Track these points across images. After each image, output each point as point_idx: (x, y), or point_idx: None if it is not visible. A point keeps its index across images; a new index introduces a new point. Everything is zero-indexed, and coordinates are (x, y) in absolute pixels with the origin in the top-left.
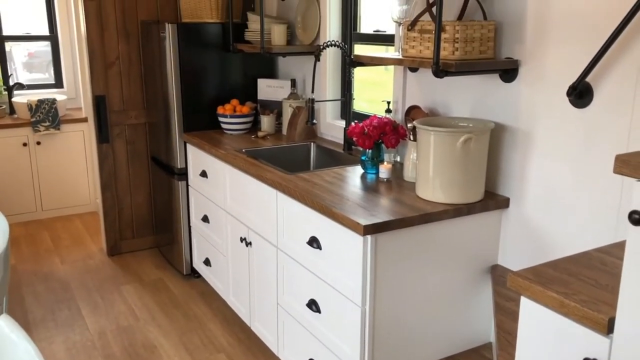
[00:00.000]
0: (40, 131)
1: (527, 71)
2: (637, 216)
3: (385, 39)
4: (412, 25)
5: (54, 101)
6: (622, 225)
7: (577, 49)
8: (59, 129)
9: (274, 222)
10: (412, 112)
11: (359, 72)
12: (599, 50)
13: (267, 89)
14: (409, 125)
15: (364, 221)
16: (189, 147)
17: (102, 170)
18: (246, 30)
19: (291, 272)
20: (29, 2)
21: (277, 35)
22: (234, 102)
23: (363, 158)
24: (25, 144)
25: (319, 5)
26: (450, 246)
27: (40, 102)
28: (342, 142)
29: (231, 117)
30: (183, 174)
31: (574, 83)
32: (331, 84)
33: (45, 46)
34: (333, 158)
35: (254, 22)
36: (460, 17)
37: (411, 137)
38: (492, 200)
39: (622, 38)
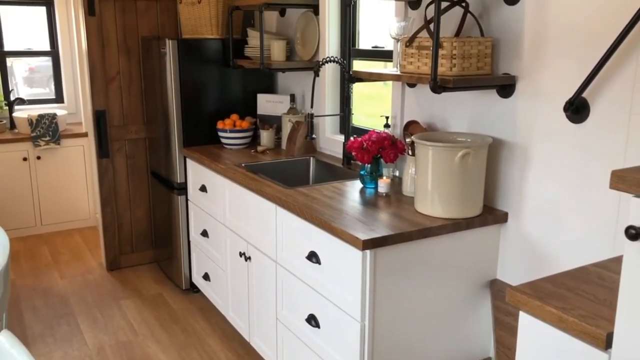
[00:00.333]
0: (40, 146)
1: (524, 87)
2: (633, 231)
3: (383, 55)
4: (410, 42)
5: (54, 116)
6: (619, 240)
7: (574, 65)
8: (59, 144)
9: (273, 236)
10: (411, 127)
11: (358, 86)
12: (595, 66)
13: (267, 104)
14: (408, 140)
15: (363, 236)
16: (189, 162)
17: (101, 185)
18: (246, 46)
19: (290, 287)
20: (30, 18)
21: (277, 51)
22: (234, 117)
23: (362, 172)
24: (25, 159)
25: (318, 21)
26: (449, 261)
27: (41, 117)
28: (341, 156)
29: (231, 131)
30: (183, 189)
31: (571, 98)
32: (330, 99)
33: (46, 61)
34: (332, 172)
35: (253, 38)
36: (457, 34)
37: (410, 152)
38: (491, 214)
39: (618, 54)
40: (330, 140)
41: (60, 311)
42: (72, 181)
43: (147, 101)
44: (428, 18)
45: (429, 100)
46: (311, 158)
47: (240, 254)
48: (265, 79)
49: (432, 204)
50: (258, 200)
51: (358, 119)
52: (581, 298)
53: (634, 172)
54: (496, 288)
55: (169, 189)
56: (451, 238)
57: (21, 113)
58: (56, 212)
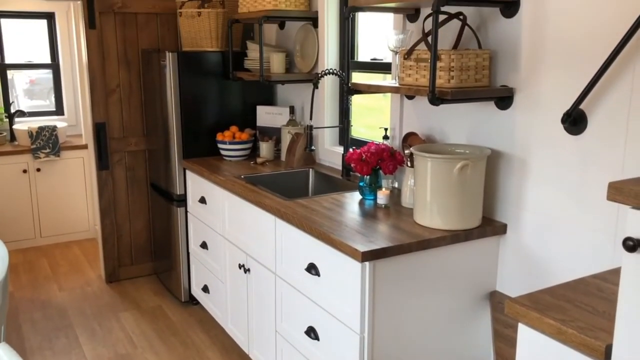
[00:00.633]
0: (40, 158)
1: (522, 99)
2: (631, 243)
3: (382, 67)
4: (408, 54)
5: (54, 128)
6: (618, 252)
7: (571, 77)
8: (59, 156)
9: (273, 248)
10: (409, 138)
11: (357, 98)
12: (592, 78)
13: (266, 115)
14: (406, 151)
15: (362, 247)
16: (188, 174)
17: (101, 197)
18: (246, 58)
19: (289, 299)
20: (31, 31)
21: (276, 63)
22: (233, 128)
23: (361, 184)
24: (25, 171)
25: (317, 34)
26: (448, 272)
27: (41, 129)
28: (340, 168)
29: (230, 143)
30: (182, 201)
31: (568, 110)
32: (329, 111)
33: (46, 73)
34: (331, 184)
35: (253, 50)
36: (455, 46)
37: (408, 164)
38: (490, 226)
39: (615, 66)
40: (330, 152)
41: (58, 324)
42: (72, 193)
43: (147, 113)
44: (426, 31)
45: (427, 112)
46: (310, 169)
47: (240, 266)
48: (265, 91)
49: (431, 215)
50: (257, 212)
51: (357, 131)
52: (580, 310)
53: (631, 183)
54: (495, 300)
55: (169, 201)
56: (450, 250)
57: (21, 125)
58: (55, 224)
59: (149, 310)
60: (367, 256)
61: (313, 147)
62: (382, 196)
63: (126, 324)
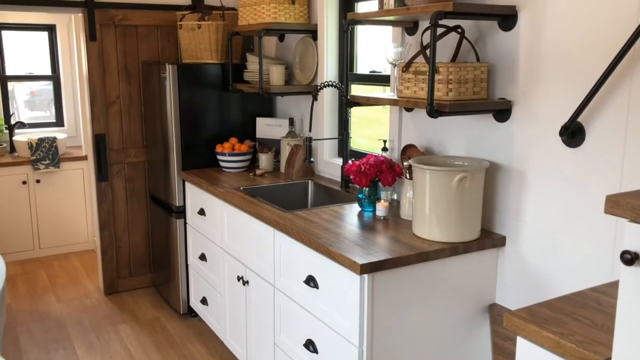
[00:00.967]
0: (40, 169)
1: (520, 111)
2: (628, 256)
3: (381, 80)
4: (406, 67)
5: (54, 139)
6: (617, 264)
7: (569, 89)
8: (58, 167)
9: (271, 260)
10: (408, 150)
11: (356, 110)
12: (590, 91)
13: (266, 127)
14: (405, 163)
15: (360, 260)
16: (188, 185)
17: (100, 208)
18: (245, 70)
19: (288, 311)
20: (32, 43)
21: (276, 75)
22: (233, 140)
23: (360, 196)
24: (24, 182)
25: (317, 47)
26: (447, 285)
27: (41, 140)
28: (339, 179)
29: (230, 155)
30: (181, 212)
31: (566, 123)
32: (328, 123)
33: (47, 84)
34: (330, 196)
35: (253, 62)
36: (453, 59)
37: (407, 176)
38: (488, 238)
39: (612, 79)
40: (329, 164)
41: (56, 336)
42: (71, 205)
43: (146, 125)
44: (424, 44)
45: (426, 124)
46: (309, 181)
47: (238, 278)
48: (264, 103)
49: (430, 227)
50: (256, 223)
51: (356, 142)
52: (579, 323)
53: (629, 197)
54: (495, 312)
55: (168, 213)
56: (449, 262)
57: (21, 137)
58: (54, 236)
59: (147, 322)
60: (366, 268)
61: (312, 159)
62: (381, 208)
63: (124, 336)
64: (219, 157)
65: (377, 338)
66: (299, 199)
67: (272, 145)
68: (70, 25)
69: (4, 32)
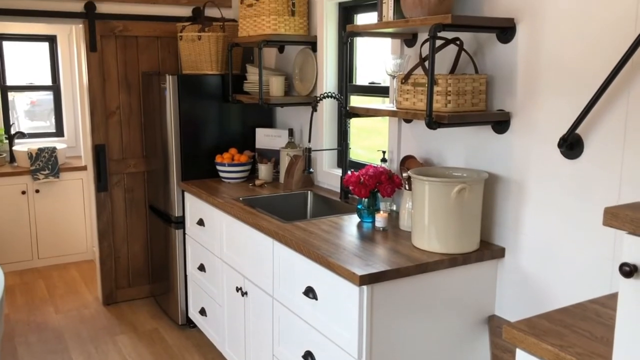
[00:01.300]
0: (39, 179)
1: (518, 123)
2: (627, 268)
3: (380, 91)
4: (405, 79)
5: (54, 150)
6: (616, 276)
7: (567, 101)
8: (58, 177)
9: (270, 271)
10: (407, 161)
11: (356, 120)
12: (588, 103)
13: (265, 138)
14: (404, 174)
15: (360, 271)
16: (187, 196)
17: (99, 218)
18: (245, 81)
19: (287, 322)
20: (33, 53)
21: (275, 86)
22: (232, 151)
23: (359, 207)
24: (24, 192)
25: (316, 58)
26: (446, 296)
27: (41, 150)
28: (338, 190)
29: (229, 165)
30: (180, 223)
31: (565, 135)
32: (328, 134)
33: (47, 94)
34: (330, 206)
35: (253, 74)
36: (452, 71)
37: (406, 187)
38: (488, 250)
39: (610, 91)
40: (328, 174)
41: (54, 347)
42: (70, 215)
43: (146, 135)
44: (423, 55)
45: (425, 136)
46: (309, 192)
47: (237, 289)
48: (264, 114)
49: (429, 239)
50: (255, 234)
51: (356, 153)
52: (578, 335)
53: (627, 209)
54: (494, 324)
55: (167, 223)
56: (448, 273)
57: (21, 147)
58: (53, 246)
59: (146, 333)
60: (365, 280)
61: (312, 170)
62: (380, 219)
63: (122, 348)
64: (219, 168)
65: (376, 349)
66: (298, 210)
67: (272, 156)
68: (71, 36)
69: (5, 43)
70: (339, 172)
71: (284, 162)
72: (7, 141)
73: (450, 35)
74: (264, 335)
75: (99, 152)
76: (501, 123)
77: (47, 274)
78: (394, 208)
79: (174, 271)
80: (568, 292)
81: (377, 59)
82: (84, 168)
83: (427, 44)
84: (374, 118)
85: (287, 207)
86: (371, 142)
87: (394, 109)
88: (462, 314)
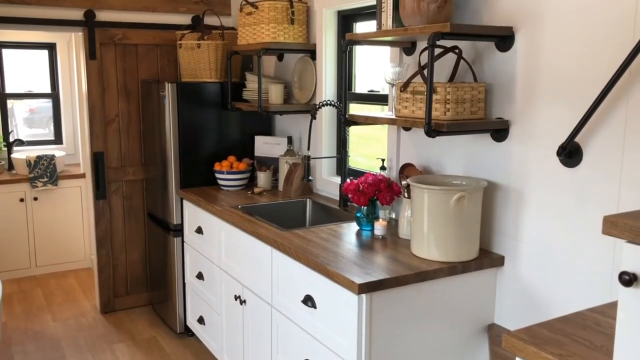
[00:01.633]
0: (38, 187)
1: (517, 131)
2: (627, 277)
3: (379, 99)
4: (404, 87)
5: (52, 157)
6: (616, 285)
7: (566, 109)
8: (56, 185)
9: (269, 279)
10: (406, 169)
11: (355, 128)
12: (587, 111)
13: (264, 145)
14: (403, 182)
15: (358, 279)
16: (185, 203)
17: (98, 226)
18: (244, 89)
19: (286, 331)
20: (32, 61)
21: (275, 94)
22: (231, 158)
23: (358, 215)
24: (22, 200)
25: (315, 66)
26: (446, 305)
27: (39, 158)
28: (337, 198)
29: (228, 173)
30: (179, 230)
31: (564, 143)
32: (327, 142)
33: (46, 102)
34: (329, 214)
35: (252, 81)
36: (451, 79)
37: (405, 195)
38: (487, 258)
39: (609, 99)
40: (327, 182)
41: (51, 355)
42: (68, 222)
43: (145, 143)
44: (422, 64)
45: (424, 144)
46: (308, 200)
47: (236, 298)
48: (263, 122)
49: (428, 247)
50: (254, 242)
51: (355, 161)
52: (577, 344)
53: (626, 217)
54: (494, 333)
55: (165, 231)
56: (448, 282)
57: (20, 154)
58: (51, 254)
59: (144, 341)
60: (364, 288)
61: (310, 177)
62: (379, 227)
63: (120, 356)
64: (217, 176)
65: (375, 358)
66: (297, 218)
67: (271, 164)
68: (71, 44)
69: (4, 51)
70: (338, 179)
71: (283, 169)
72: (5, 149)
73: (449, 43)
74: (262, 344)
75: (98, 160)
76: (500, 131)
77: (45, 282)
78: (393, 216)
79: (173, 279)
80: (568, 301)
81: (376, 67)
82: (83, 176)
83: (426, 52)
84: (373, 126)
85: (286, 215)
86: (370, 150)
87: (393, 117)
88: (462, 322)
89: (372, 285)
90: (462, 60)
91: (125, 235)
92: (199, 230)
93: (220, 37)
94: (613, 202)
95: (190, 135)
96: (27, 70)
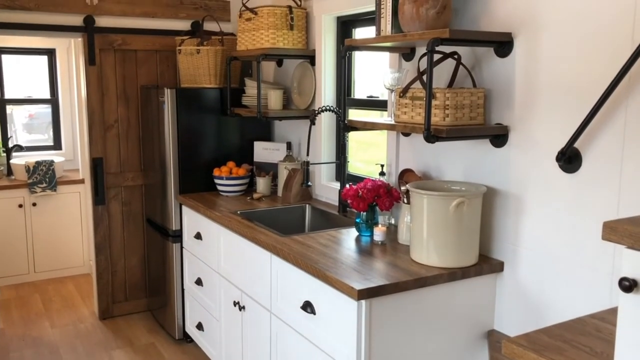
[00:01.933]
0: (36, 192)
1: (516, 136)
2: (627, 283)
3: (378, 105)
4: (403, 92)
5: (51, 163)
6: (615, 290)
7: (565, 115)
8: (55, 191)
9: (268, 286)
10: (406, 175)
11: (354, 134)
12: (586, 117)
13: (263, 151)
14: (403, 188)
15: (358, 285)
16: (184, 209)
17: (96, 232)
18: (243, 95)
19: (285, 337)
20: (32, 66)
21: (274, 100)
22: (230, 164)
23: (358, 220)
24: (20, 205)
25: (314, 72)
26: (445, 311)
27: (38, 163)
28: (337, 204)
29: (227, 179)
30: (178, 236)
31: (563, 149)
32: (326, 147)
33: (45, 107)
34: (328, 220)
35: (251, 87)
36: (450, 85)
37: (405, 200)
38: (487, 264)
39: (608, 105)
40: (326, 188)
41: None
42: (67, 228)
43: (144, 149)
44: (421, 69)
45: (423, 149)
46: (307, 205)
47: (235, 304)
48: (262, 127)
49: (427, 253)
50: (253, 248)
51: (354, 166)
52: (578, 350)
53: (626, 223)
54: (493, 339)
55: (164, 237)
56: (447, 288)
57: (19, 159)
58: (50, 260)
59: (142, 348)
60: (364, 294)
61: (310, 183)
62: (378, 233)
63: None
64: (217, 181)
65: None
66: (296, 223)
67: (270, 169)
68: (70, 50)
69: (3, 56)
70: (337, 185)
71: (282, 175)
72: (4, 154)
73: (448, 49)
74: (261, 350)
75: (97, 166)
76: (499, 137)
77: (43, 288)
78: (393, 222)
79: (171, 285)
80: (567, 307)
81: (375, 72)
82: (82, 181)
83: (425, 58)
84: (372, 131)
85: (285, 220)
86: (369, 155)
87: (392, 122)
88: (461, 328)
89: (372, 291)
90: (461, 66)
91: (124, 241)
92: (198, 236)
93: (219, 42)
94: (612, 207)
95: (190, 140)
96: (26, 75)
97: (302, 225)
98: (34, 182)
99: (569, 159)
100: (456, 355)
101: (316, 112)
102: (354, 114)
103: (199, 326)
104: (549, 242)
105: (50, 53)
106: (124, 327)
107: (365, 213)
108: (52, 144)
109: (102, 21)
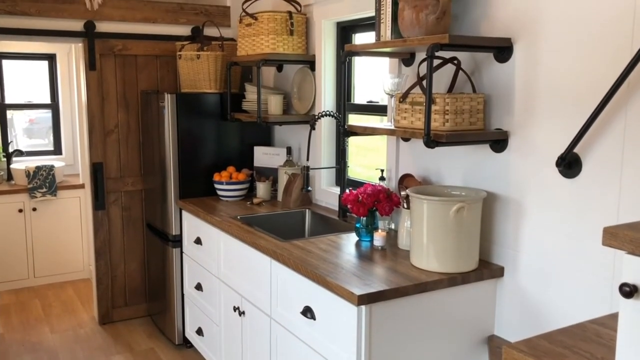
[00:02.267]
0: (36, 197)
1: (516, 142)
2: (627, 289)
3: (378, 110)
4: (403, 98)
5: (51, 168)
6: (616, 296)
7: (565, 120)
8: (55, 195)
9: (268, 291)
10: (405, 180)
11: (354, 139)
12: (586, 122)
13: (263, 156)
14: (403, 193)
15: (358, 291)
16: (184, 214)
17: (96, 237)
18: (244, 100)
19: (285, 343)
20: (32, 71)
21: (274, 105)
22: (230, 169)
23: (358, 225)
24: (20, 210)
25: (314, 77)
26: (445, 316)
27: (38, 168)
28: (337, 209)
29: (227, 183)
30: (177, 241)
31: (563, 154)
32: (326, 152)
33: (46, 112)
34: (328, 225)
35: (251, 92)
36: (450, 90)
37: (405, 205)
38: (487, 269)
39: (607, 110)
40: (326, 193)
41: None
42: (67, 233)
43: (144, 153)
44: (421, 75)
45: (423, 154)
46: (307, 210)
47: (235, 309)
48: (262, 132)
49: (427, 258)
50: (253, 253)
51: (354, 171)
52: (578, 356)
53: (626, 228)
54: (494, 344)
55: (164, 241)
56: (447, 293)
57: (19, 164)
58: (50, 264)
59: (142, 353)
60: (364, 299)
61: (310, 188)
62: (378, 238)
63: None
64: (217, 186)
65: None
66: (296, 228)
67: (270, 174)
68: (70, 55)
69: (4, 61)
70: (337, 190)
71: (282, 180)
72: (5, 159)
73: (447, 54)
74: (261, 356)
75: (97, 171)
76: (499, 142)
77: (43, 293)
78: (393, 227)
79: (171, 290)
80: (568, 312)
81: (375, 78)
82: (82, 186)
83: (425, 63)
84: (372, 137)
85: (285, 225)
86: (369, 160)
87: (392, 127)
88: (462, 333)
89: (372, 296)
90: (460, 71)
91: (124, 246)
92: (198, 241)
93: (219, 48)
94: (613, 212)
95: (190, 145)
96: (26, 80)
97: (302, 230)
98: (34, 187)
99: (569, 164)
100: None
101: (316, 117)
102: (354, 119)
103: (199, 331)
104: (549, 247)
105: (51, 58)
106: (123, 332)
107: (365, 218)
108: (52, 148)
109: (103, 26)
